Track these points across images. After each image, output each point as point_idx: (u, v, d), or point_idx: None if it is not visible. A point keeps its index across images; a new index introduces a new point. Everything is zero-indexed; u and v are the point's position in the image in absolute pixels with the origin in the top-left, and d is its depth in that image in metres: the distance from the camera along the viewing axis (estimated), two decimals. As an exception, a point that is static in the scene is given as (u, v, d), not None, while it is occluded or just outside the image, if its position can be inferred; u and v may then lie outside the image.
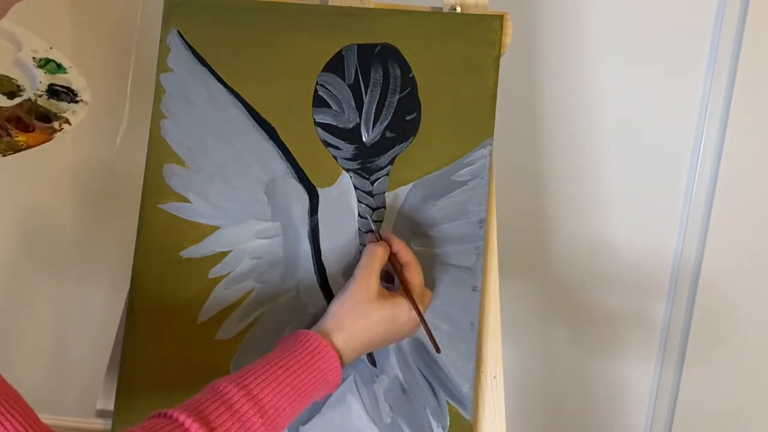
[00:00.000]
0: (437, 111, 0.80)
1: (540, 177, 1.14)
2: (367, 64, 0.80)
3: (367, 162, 0.80)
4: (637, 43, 1.09)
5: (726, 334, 1.16)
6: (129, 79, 1.01)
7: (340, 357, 0.68)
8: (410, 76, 0.80)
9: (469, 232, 0.79)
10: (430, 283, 0.77)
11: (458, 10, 0.82)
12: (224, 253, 0.79)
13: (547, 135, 1.13)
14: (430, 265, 0.79)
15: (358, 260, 0.76)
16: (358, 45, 0.81)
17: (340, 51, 0.81)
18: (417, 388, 0.78)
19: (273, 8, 0.81)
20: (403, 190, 0.80)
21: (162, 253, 0.78)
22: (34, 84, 0.80)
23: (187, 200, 0.79)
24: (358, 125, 0.80)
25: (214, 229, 0.79)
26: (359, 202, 0.80)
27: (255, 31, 0.81)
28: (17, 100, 0.78)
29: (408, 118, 0.80)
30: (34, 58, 0.82)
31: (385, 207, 0.80)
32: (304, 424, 0.77)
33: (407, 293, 0.73)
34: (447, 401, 0.78)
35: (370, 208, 0.80)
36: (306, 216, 0.79)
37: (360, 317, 0.70)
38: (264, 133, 0.80)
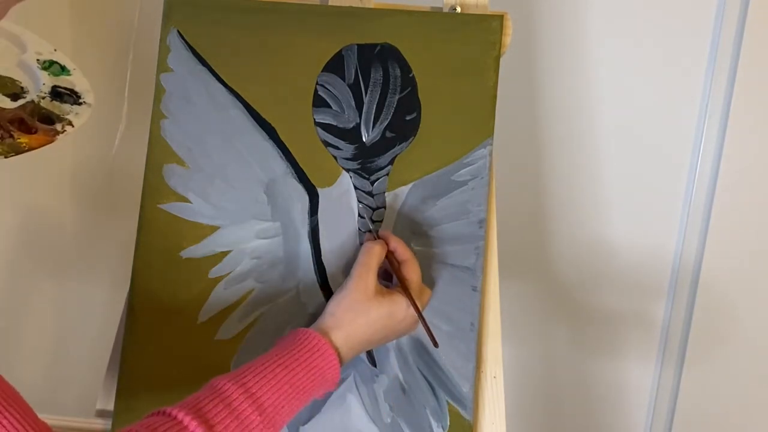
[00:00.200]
0: (437, 111, 0.80)
1: (540, 177, 1.14)
2: (367, 64, 0.80)
3: (367, 162, 0.80)
4: (637, 43, 1.09)
5: (726, 334, 1.16)
6: (127, 80, 1.01)
7: (339, 355, 0.68)
8: (410, 76, 0.81)
9: (469, 232, 0.79)
10: (430, 283, 0.78)
11: (458, 10, 0.83)
12: (224, 253, 0.79)
13: (547, 135, 1.13)
14: (430, 265, 0.79)
15: (358, 260, 0.76)
16: (358, 45, 0.81)
17: (340, 51, 0.81)
18: (417, 388, 0.78)
19: (273, 8, 0.81)
20: (403, 190, 0.80)
21: (162, 253, 0.78)
22: (38, 86, 0.81)
23: (187, 200, 0.79)
24: (358, 125, 0.80)
25: (214, 229, 0.79)
26: (359, 202, 0.80)
27: (255, 31, 0.81)
28: (20, 102, 0.78)
29: (408, 118, 0.80)
30: (38, 60, 0.82)
31: (385, 207, 0.80)
32: (304, 424, 0.77)
33: (405, 290, 0.73)
34: (447, 401, 0.78)
35: (370, 208, 0.80)
36: (306, 216, 0.80)
37: (358, 315, 0.70)
38: (264, 133, 0.80)
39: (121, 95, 1.01)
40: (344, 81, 0.80)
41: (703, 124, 1.10)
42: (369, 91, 0.80)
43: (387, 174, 0.80)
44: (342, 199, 0.80)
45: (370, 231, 0.78)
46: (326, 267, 0.79)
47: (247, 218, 0.79)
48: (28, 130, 0.75)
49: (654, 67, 1.09)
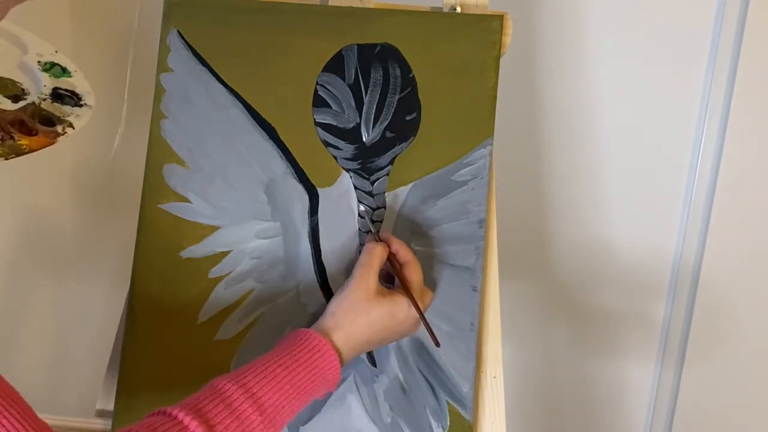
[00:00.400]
0: (437, 111, 0.80)
1: (540, 177, 1.14)
2: (367, 64, 0.80)
3: (367, 162, 0.80)
4: (637, 43, 1.09)
5: (726, 334, 1.16)
6: (127, 80, 1.01)
7: (340, 355, 0.68)
8: (410, 76, 0.81)
9: (469, 232, 0.79)
10: (430, 283, 0.78)
11: (458, 10, 0.83)
12: (224, 253, 0.79)
13: (547, 135, 1.13)
14: (430, 265, 0.79)
15: (358, 260, 0.76)
16: (358, 45, 0.81)
17: (340, 51, 0.81)
18: (417, 388, 0.78)
19: (273, 8, 0.81)
20: (403, 190, 0.80)
21: (162, 253, 0.78)
22: (39, 87, 0.81)
23: (187, 200, 0.79)
24: (358, 125, 0.80)
25: (214, 229, 0.79)
26: (359, 202, 0.80)
27: (255, 31, 0.81)
28: (21, 104, 0.78)
29: (408, 118, 0.80)
30: (39, 61, 0.82)
31: (385, 207, 0.80)
32: (304, 424, 0.77)
33: (406, 291, 0.73)
34: (447, 401, 0.78)
35: (370, 208, 0.80)
36: (306, 216, 0.80)
37: (359, 316, 0.70)
38: (264, 133, 0.80)
39: (121, 95, 1.01)
40: (344, 81, 0.80)
41: (703, 124, 1.10)
42: (369, 91, 0.80)
43: (387, 174, 0.80)
44: (342, 199, 0.80)
45: (370, 231, 0.78)
46: (326, 267, 0.79)
47: (247, 218, 0.79)
48: (29, 132, 0.75)
49: (654, 67, 1.09)
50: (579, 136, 1.12)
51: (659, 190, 1.14)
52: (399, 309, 0.72)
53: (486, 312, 0.80)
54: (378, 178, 0.80)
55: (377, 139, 0.80)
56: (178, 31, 0.81)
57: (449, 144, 0.80)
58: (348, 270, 0.78)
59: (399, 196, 0.80)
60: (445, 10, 0.83)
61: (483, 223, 0.79)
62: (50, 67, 0.82)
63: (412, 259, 0.75)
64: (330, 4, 0.83)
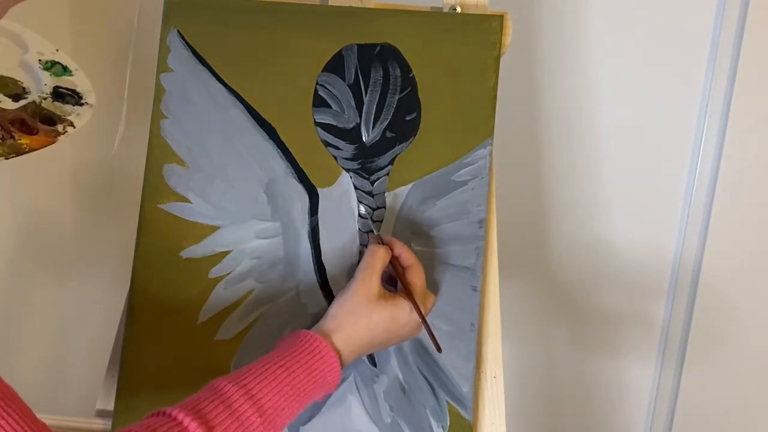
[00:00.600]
0: (437, 111, 0.80)
1: (540, 177, 1.14)
2: (367, 64, 0.80)
3: (367, 162, 0.80)
4: (637, 43, 1.09)
5: (726, 334, 1.16)
6: (127, 80, 1.01)
7: (340, 357, 0.68)
8: (410, 76, 0.80)
9: (469, 232, 0.79)
10: (430, 284, 0.77)
11: (458, 10, 0.83)
12: (224, 253, 0.79)
13: (547, 135, 1.13)
14: (431, 265, 0.79)
15: (358, 260, 0.76)
16: (358, 45, 0.81)
17: (340, 51, 0.81)
18: (417, 388, 0.78)
19: (273, 8, 0.81)
20: (403, 190, 0.80)
21: (162, 253, 0.78)
22: (39, 86, 0.80)
23: (187, 200, 0.79)
24: (358, 125, 0.80)
25: (214, 229, 0.79)
26: (359, 202, 0.80)
27: (255, 31, 0.81)
28: (22, 103, 0.78)
29: (408, 118, 0.80)
30: (39, 60, 0.82)
31: (385, 207, 0.80)
32: (304, 424, 0.77)
33: (408, 294, 0.73)
34: (447, 401, 0.78)
35: (370, 208, 0.80)
36: (306, 216, 0.79)
37: (360, 318, 0.70)
38: (264, 133, 0.80)
39: (121, 95, 1.01)
40: (344, 81, 0.80)
41: (703, 124, 1.10)
42: (369, 91, 0.80)
43: (387, 174, 0.80)
44: (342, 199, 0.80)
45: (370, 231, 0.78)
46: (326, 267, 0.79)
47: (247, 218, 0.79)
48: (30, 131, 0.75)
49: (654, 67, 1.09)
50: (579, 136, 1.12)
51: (659, 190, 1.14)
52: (401, 312, 0.72)
53: (486, 312, 0.80)
54: (378, 178, 0.80)
55: (377, 139, 0.80)
56: (178, 31, 0.81)
57: (449, 144, 0.80)
58: (348, 270, 0.78)
59: (399, 196, 0.80)
60: (445, 10, 0.83)
61: (483, 223, 0.79)
62: (51, 66, 0.82)
63: (414, 262, 0.75)
64: (330, 4, 0.83)
